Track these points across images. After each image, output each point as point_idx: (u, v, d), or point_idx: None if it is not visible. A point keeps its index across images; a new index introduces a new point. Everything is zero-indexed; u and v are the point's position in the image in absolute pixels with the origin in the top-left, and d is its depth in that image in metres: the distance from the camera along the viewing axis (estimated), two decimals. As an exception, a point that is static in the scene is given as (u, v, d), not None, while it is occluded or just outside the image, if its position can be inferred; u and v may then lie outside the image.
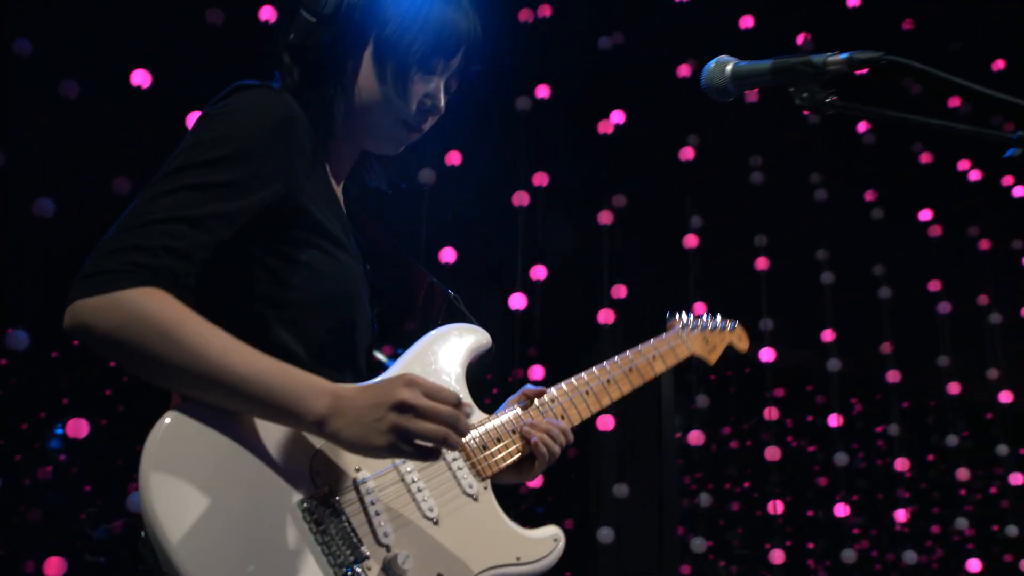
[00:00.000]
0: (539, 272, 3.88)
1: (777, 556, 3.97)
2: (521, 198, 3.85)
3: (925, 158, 5.10)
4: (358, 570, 1.33)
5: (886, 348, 4.70)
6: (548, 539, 1.61)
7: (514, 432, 1.66)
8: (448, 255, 3.79)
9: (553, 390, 1.77)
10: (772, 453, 4.00)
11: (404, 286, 1.78)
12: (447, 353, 1.65)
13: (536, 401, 1.73)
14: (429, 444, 1.31)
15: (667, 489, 5.14)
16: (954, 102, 4.61)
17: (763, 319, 4.33)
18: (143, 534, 1.22)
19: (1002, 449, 4.95)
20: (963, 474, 4.68)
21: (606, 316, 4.05)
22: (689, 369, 4.52)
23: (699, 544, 3.92)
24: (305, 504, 1.33)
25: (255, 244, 1.43)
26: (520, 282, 3.82)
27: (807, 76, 1.57)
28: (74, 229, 3.37)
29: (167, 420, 1.27)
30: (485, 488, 1.58)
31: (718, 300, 4.28)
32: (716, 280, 4.35)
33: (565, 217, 4.30)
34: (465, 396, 1.62)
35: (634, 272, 4.24)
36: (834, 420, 4.51)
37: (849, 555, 4.16)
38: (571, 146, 4.49)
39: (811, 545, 7.65)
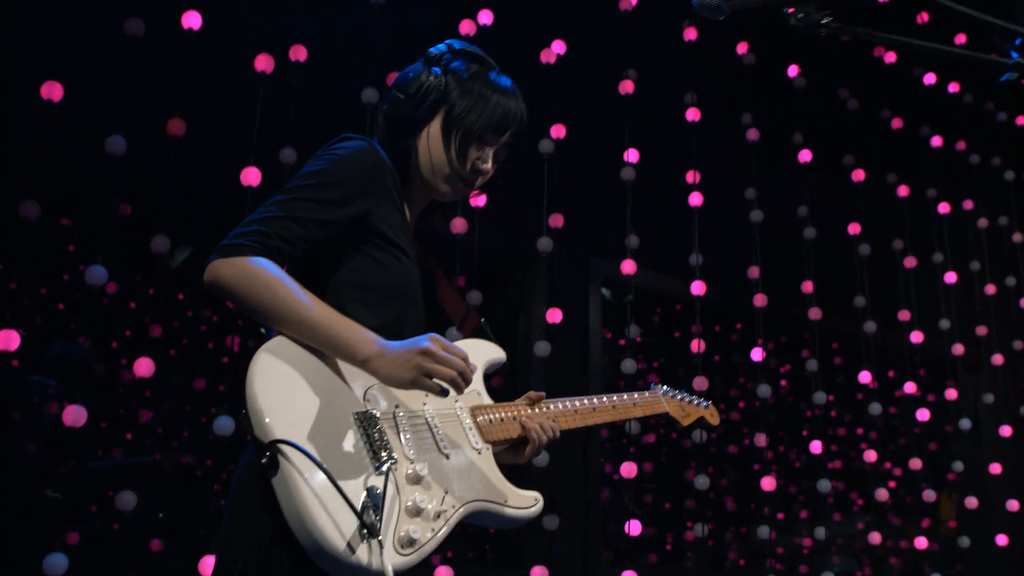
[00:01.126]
0: (479, 200, 3.89)
1: (701, 482, 4.12)
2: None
3: (852, 105, 5.26)
4: (387, 466, 1.76)
5: (807, 287, 4.84)
6: (531, 496, 2.03)
7: (515, 419, 2.13)
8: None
9: (554, 401, 2.24)
10: (699, 383, 4.12)
11: (447, 306, 2.34)
12: (475, 357, 2.10)
13: (537, 405, 2.20)
14: (442, 382, 1.84)
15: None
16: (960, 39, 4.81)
17: (694, 254, 4.40)
18: (244, 411, 1.73)
19: (909, 387, 5.20)
20: (875, 409, 4.89)
21: (544, 244, 4.10)
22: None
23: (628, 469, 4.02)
24: (357, 415, 1.83)
25: (344, 245, 1.98)
26: (460, 208, 3.83)
27: (804, -3, 1.62)
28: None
29: (273, 340, 1.81)
30: (487, 449, 2.04)
31: (653, 232, 4.39)
32: (651, 213, 4.42)
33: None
34: (480, 382, 2.16)
35: (572, 203, 4.24)
36: (757, 354, 4.66)
37: (769, 483, 4.33)
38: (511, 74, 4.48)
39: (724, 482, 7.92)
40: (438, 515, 1.82)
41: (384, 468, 1.76)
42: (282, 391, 1.74)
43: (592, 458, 5.06)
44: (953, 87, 5.68)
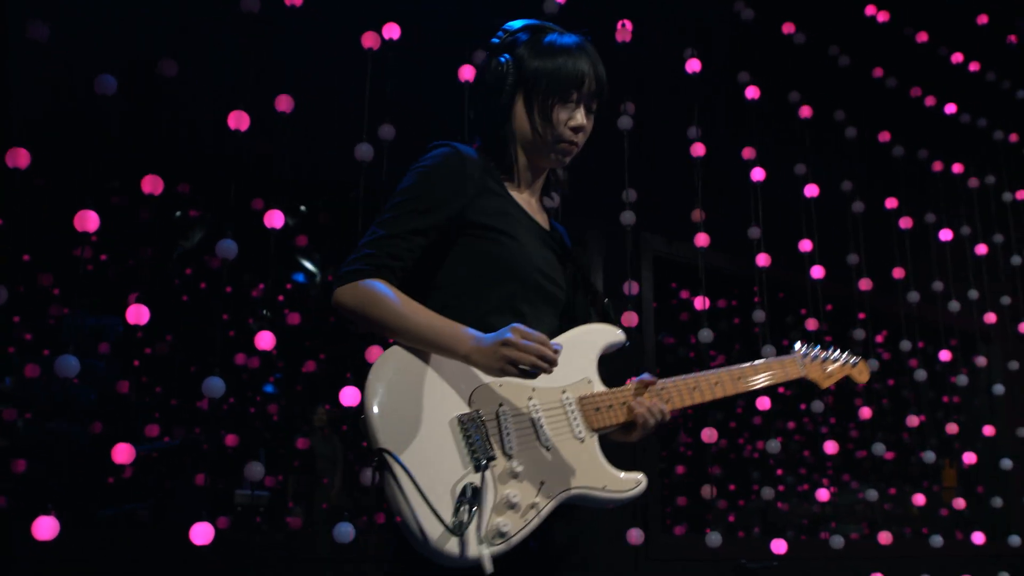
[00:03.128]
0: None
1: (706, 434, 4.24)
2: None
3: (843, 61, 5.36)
4: (484, 463, 1.92)
5: (805, 245, 4.94)
6: (632, 479, 2.10)
7: (623, 405, 2.18)
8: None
9: (667, 380, 2.28)
10: (705, 336, 4.27)
11: (581, 285, 2.39)
12: (589, 341, 2.24)
13: (649, 388, 2.24)
14: (525, 367, 1.92)
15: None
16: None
17: (696, 209, 4.45)
18: (362, 416, 1.91)
19: (905, 345, 5.34)
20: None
21: (627, 218, 4.18)
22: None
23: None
24: (462, 417, 1.98)
25: (448, 244, 2.14)
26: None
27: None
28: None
29: (388, 351, 2.01)
30: (591, 436, 2.12)
31: (654, 184, 4.46)
32: (654, 165, 4.43)
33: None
34: (592, 368, 2.21)
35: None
36: (812, 324, 4.81)
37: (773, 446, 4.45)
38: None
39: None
40: (531, 507, 1.95)
41: (480, 467, 1.91)
42: (393, 400, 1.94)
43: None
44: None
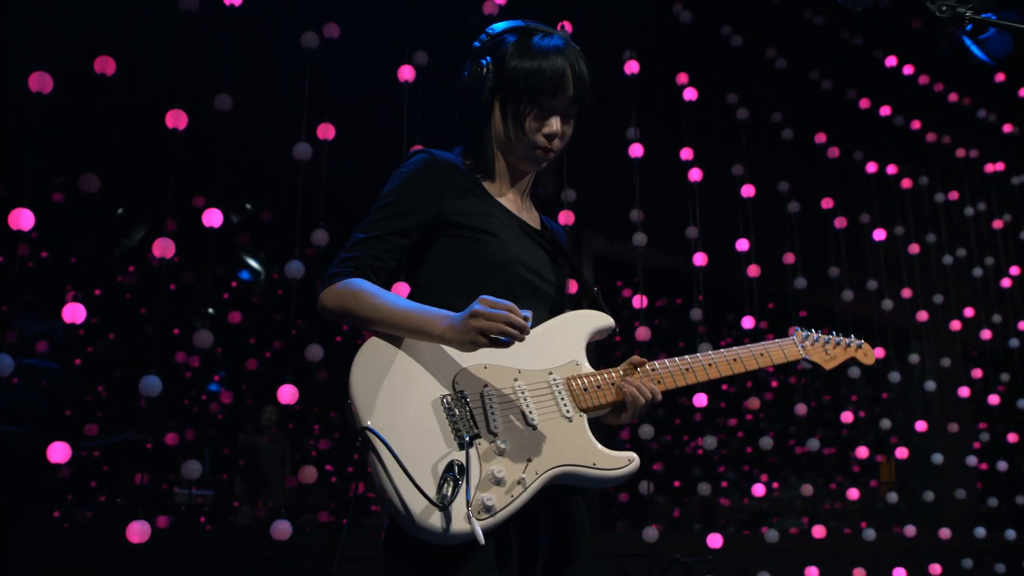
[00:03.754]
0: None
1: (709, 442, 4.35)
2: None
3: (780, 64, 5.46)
4: (468, 440, 1.93)
5: (743, 244, 5.03)
6: (623, 457, 2.06)
7: (612, 385, 2.16)
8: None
9: (657, 362, 2.24)
10: (643, 334, 4.35)
11: (570, 277, 2.39)
12: (577, 326, 2.24)
13: (639, 368, 2.21)
14: (495, 335, 1.92)
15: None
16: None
17: (634, 209, 4.51)
18: (348, 401, 1.94)
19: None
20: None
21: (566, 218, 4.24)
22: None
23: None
24: (445, 399, 2.01)
25: (429, 245, 2.19)
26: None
27: (946, -8, 1.83)
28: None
29: (370, 339, 2.05)
30: (580, 416, 2.11)
31: (594, 184, 4.52)
32: (590, 166, 4.49)
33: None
34: (580, 351, 2.20)
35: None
36: (748, 322, 4.91)
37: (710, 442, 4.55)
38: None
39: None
40: (518, 482, 1.94)
41: (464, 444, 1.92)
42: (374, 384, 1.98)
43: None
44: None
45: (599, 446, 2.06)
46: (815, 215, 5.50)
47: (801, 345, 2.41)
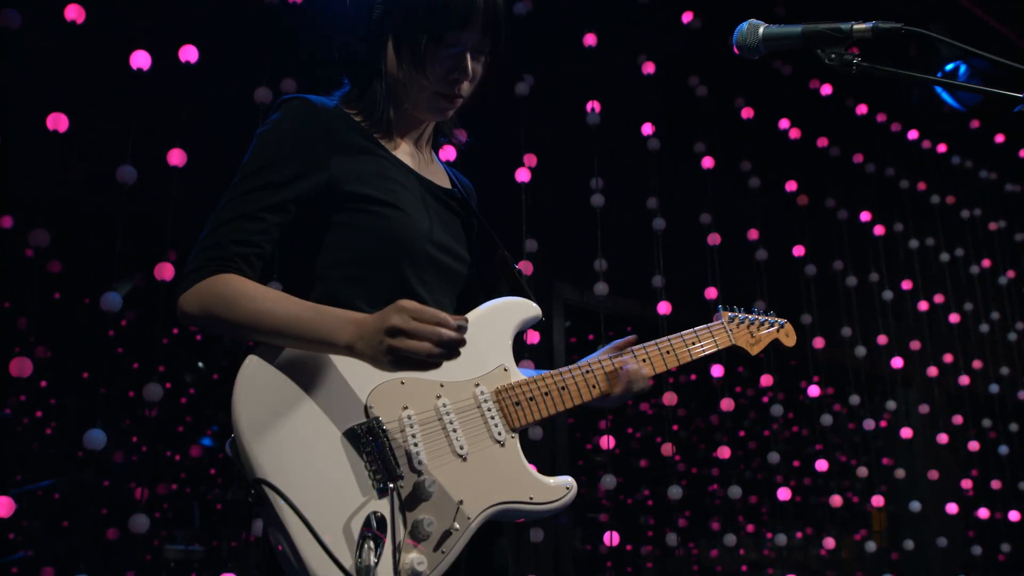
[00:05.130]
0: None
1: (675, 492, 4.32)
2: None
3: (746, 113, 5.49)
4: (391, 486, 1.60)
5: (711, 293, 5.01)
6: (561, 486, 1.82)
7: (546, 395, 1.88)
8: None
9: (638, 347, 2.04)
10: (668, 399, 4.34)
11: (485, 252, 2.06)
12: (501, 321, 1.93)
13: (626, 350, 2.02)
14: (420, 357, 1.57)
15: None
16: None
17: (598, 259, 4.47)
18: (230, 438, 1.58)
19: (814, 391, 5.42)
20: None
21: (525, 268, 4.25)
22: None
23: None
24: (357, 429, 1.64)
25: (317, 223, 1.79)
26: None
27: (835, 40, 1.84)
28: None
29: (249, 358, 1.64)
30: (512, 437, 1.82)
31: (553, 239, 4.53)
32: (553, 218, 4.51)
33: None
34: (507, 352, 1.90)
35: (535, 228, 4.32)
36: (717, 371, 4.89)
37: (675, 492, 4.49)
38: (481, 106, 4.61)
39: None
40: (448, 534, 1.65)
41: (385, 491, 1.61)
42: (264, 415, 1.58)
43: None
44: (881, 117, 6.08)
45: (534, 474, 1.80)
46: (786, 262, 5.50)
47: (728, 330, 2.22)
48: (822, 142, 5.84)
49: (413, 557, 1.59)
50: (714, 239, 4.98)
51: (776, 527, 8.51)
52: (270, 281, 1.95)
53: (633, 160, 4.91)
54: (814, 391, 5.35)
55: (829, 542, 5.21)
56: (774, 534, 5.15)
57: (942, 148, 6.44)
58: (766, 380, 5.11)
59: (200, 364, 9.50)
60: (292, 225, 1.77)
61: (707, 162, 5.04)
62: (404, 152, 1.95)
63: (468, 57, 1.85)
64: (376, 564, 1.46)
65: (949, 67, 5.95)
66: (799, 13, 4.85)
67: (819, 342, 5.28)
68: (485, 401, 1.81)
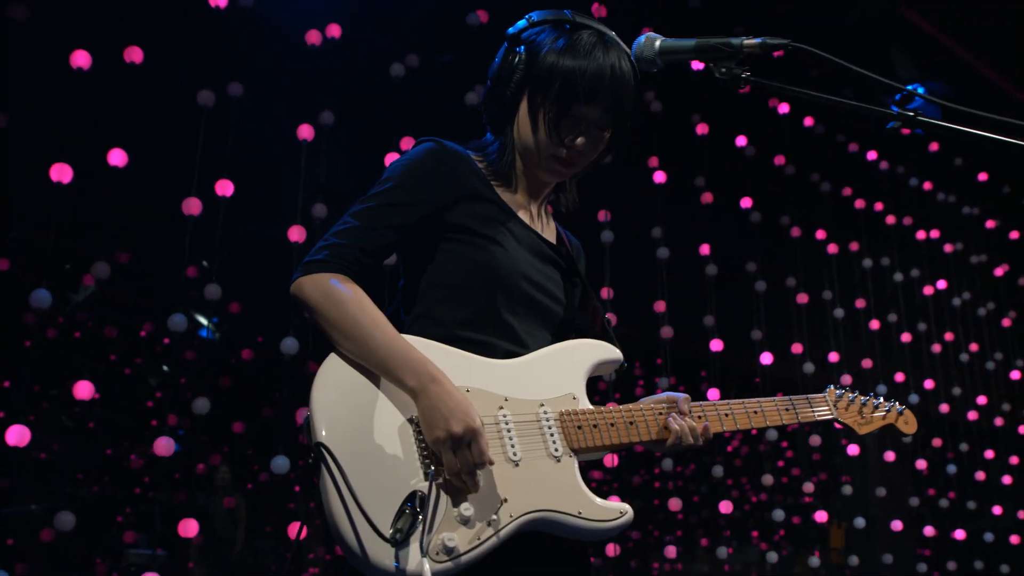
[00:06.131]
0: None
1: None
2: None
3: (701, 129, 5.56)
4: (433, 469, 1.72)
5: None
6: (615, 509, 1.84)
7: (611, 426, 1.94)
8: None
9: (699, 403, 2.06)
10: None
11: (581, 302, 2.17)
12: (579, 356, 2.01)
13: (681, 405, 2.02)
14: (446, 469, 1.71)
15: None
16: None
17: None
18: (307, 416, 1.75)
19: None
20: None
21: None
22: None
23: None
24: (415, 418, 1.78)
25: (425, 247, 1.98)
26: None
27: (726, 55, 1.87)
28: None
29: (331, 356, 1.82)
30: (570, 457, 1.87)
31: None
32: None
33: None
34: (579, 384, 1.98)
35: None
36: (664, 383, 4.93)
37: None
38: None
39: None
40: (488, 523, 1.72)
41: (430, 474, 1.72)
42: (338, 397, 1.77)
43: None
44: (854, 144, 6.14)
45: (588, 493, 1.83)
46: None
47: (833, 405, 2.21)
48: (779, 160, 5.89)
49: (446, 535, 1.67)
50: (663, 253, 5.02)
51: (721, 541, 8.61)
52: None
53: (584, 177, 4.94)
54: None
55: (772, 556, 5.23)
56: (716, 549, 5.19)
57: (901, 169, 6.50)
58: (713, 394, 5.15)
59: (165, 368, 9.51)
60: (405, 247, 2.00)
61: (659, 176, 5.08)
62: (518, 203, 2.09)
63: (588, 129, 1.99)
64: (410, 533, 1.62)
65: (909, 88, 5.99)
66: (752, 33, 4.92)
67: (766, 358, 5.32)
68: (547, 420, 1.88)
